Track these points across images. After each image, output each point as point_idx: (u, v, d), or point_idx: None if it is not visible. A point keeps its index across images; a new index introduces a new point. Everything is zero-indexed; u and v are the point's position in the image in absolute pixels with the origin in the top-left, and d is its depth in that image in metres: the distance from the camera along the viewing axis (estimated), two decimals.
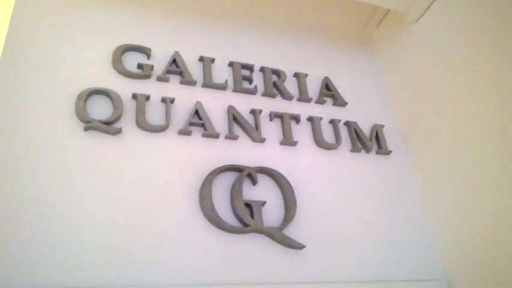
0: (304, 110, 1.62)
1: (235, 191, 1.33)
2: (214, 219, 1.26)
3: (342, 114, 1.67)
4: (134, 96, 1.39)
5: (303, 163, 1.50)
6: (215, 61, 1.59)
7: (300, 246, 1.31)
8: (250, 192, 1.37)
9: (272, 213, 1.36)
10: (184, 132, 1.39)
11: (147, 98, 1.40)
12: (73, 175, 1.20)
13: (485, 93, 1.39)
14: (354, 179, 1.54)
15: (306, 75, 1.70)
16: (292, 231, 1.33)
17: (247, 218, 1.29)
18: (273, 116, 1.54)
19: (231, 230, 1.27)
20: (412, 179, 1.62)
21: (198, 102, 1.45)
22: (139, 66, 1.46)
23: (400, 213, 1.52)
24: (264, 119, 1.53)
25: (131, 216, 1.19)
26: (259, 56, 1.68)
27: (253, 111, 1.52)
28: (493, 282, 1.28)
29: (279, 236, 1.30)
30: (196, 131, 1.41)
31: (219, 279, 1.19)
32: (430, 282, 1.40)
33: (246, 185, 1.37)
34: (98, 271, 1.09)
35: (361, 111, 1.71)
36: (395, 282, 1.37)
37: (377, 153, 1.63)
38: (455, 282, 1.39)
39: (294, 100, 1.64)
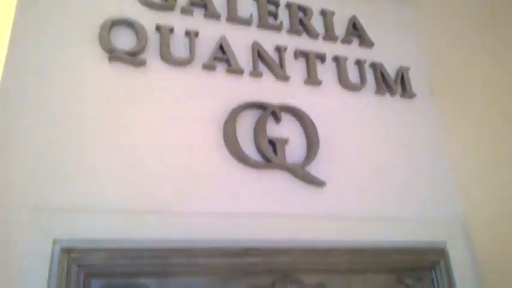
0: (330, 49, 1.57)
1: (259, 128, 1.33)
2: (238, 154, 1.27)
3: (368, 55, 1.62)
4: (158, 28, 1.35)
5: (326, 103, 1.48)
6: None
7: (321, 183, 1.33)
8: (274, 130, 1.37)
9: (295, 151, 1.36)
10: (209, 67, 1.37)
11: (171, 30, 1.37)
12: (96, 105, 1.20)
13: None
14: (377, 120, 1.53)
15: (333, 13, 1.64)
16: (314, 169, 1.34)
17: (270, 154, 1.30)
18: (298, 54, 1.51)
19: (254, 165, 1.28)
20: (435, 123, 1.61)
21: (223, 37, 1.41)
22: None
23: (420, 156, 1.53)
24: (288, 56, 1.50)
25: (153, 149, 1.21)
26: None
27: (278, 49, 1.48)
28: (509, 226, 1.30)
29: (301, 173, 1.32)
30: (221, 67, 1.39)
31: (240, 208, 1.23)
32: (446, 223, 1.42)
33: (270, 123, 1.37)
34: (119, 197, 1.12)
35: (388, 53, 1.66)
36: (411, 221, 1.39)
37: (401, 96, 1.60)
38: (470, 224, 1.42)
39: (320, 38, 1.59)
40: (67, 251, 0.99)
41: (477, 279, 1.34)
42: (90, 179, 1.11)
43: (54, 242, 0.99)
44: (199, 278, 1.10)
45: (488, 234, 1.36)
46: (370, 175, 1.42)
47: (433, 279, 1.31)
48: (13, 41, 1.18)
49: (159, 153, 1.21)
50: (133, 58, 1.28)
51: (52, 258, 0.98)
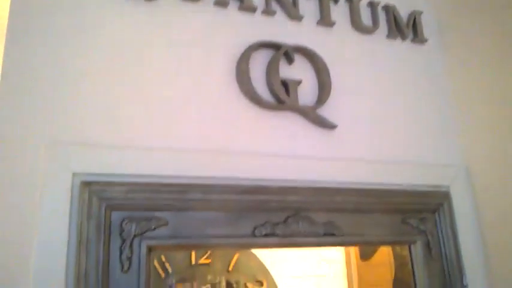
0: None
1: (271, 68, 1.32)
2: (251, 94, 1.27)
3: None
4: None
5: (338, 45, 1.46)
6: None
7: (332, 126, 1.34)
8: (286, 71, 1.35)
9: (306, 93, 1.36)
10: (221, 3, 1.32)
11: None
12: (108, 39, 1.17)
13: None
14: (387, 64, 1.52)
15: None
16: (326, 112, 1.35)
17: (283, 95, 1.30)
18: None
19: (266, 105, 1.28)
20: (444, 69, 1.60)
21: None
22: None
23: (428, 101, 1.54)
24: None
25: (165, 85, 1.19)
26: None
27: None
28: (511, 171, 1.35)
29: (313, 115, 1.33)
30: (233, 3, 1.35)
31: (252, 148, 1.24)
32: (450, 167, 1.46)
33: (282, 64, 1.35)
34: (136, 132, 1.12)
35: None
36: (417, 165, 1.43)
37: (412, 41, 1.59)
38: (473, 169, 1.46)
39: None
40: (87, 184, 1.00)
41: (478, 222, 1.41)
42: (107, 114, 1.10)
43: (74, 175, 1.00)
44: (214, 212, 1.12)
45: (491, 179, 1.41)
46: (378, 119, 1.44)
47: (436, 221, 1.37)
48: None
49: (172, 91, 1.20)
50: None
51: (72, 191, 0.99)
